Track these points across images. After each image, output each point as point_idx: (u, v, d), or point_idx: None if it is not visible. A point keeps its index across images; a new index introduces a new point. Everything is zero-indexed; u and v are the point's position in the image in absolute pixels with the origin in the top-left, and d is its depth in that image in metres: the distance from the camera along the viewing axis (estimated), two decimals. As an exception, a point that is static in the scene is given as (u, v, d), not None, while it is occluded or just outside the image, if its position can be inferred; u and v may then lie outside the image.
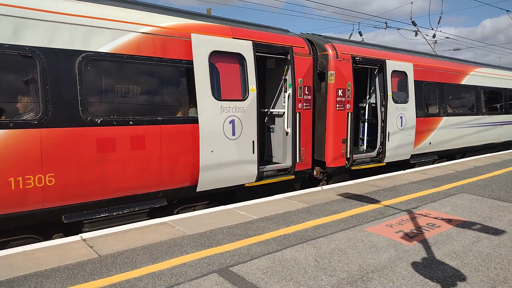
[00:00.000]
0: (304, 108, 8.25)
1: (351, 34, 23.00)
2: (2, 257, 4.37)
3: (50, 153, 5.06)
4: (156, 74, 6.29)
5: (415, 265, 4.31)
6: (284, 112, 8.16)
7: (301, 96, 8.15)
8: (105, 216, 5.73)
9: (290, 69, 7.98)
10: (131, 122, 5.78)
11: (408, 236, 5.22)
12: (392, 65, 9.98)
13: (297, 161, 8.15)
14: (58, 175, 5.14)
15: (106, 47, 5.57)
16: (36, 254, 4.47)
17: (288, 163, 8.20)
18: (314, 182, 9.29)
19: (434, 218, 6.05)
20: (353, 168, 9.43)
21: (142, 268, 4.14)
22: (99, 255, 4.47)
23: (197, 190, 6.67)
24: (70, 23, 5.29)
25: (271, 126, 8.77)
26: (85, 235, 5.10)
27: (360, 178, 9.25)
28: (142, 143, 5.88)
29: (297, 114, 8.07)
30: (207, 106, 6.54)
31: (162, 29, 6.15)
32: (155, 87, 6.39)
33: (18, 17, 4.89)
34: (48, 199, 5.12)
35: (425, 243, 4.97)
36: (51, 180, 5.10)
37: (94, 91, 5.65)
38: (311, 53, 8.52)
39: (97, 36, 5.50)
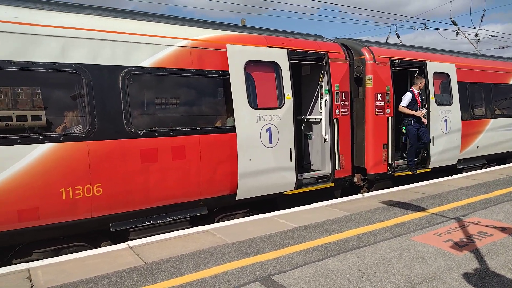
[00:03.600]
0: (342, 114, 8.13)
1: (388, 36, 22.43)
2: (56, 264, 4.60)
3: (97, 164, 5.29)
4: (194, 86, 6.44)
5: (467, 276, 4.09)
6: (321, 119, 8.07)
7: (338, 102, 8.04)
8: (150, 224, 5.89)
9: (326, 75, 7.91)
10: (171, 133, 5.94)
11: (458, 246, 4.96)
12: (433, 67, 9.62)
13: (336, 168, 8.02)
14: (105, 185, 5.36)
15: (146, 62, 5.78)
16: (86, 261, 4.67)
17: (327, 170, 8.08)
18: (355, 190, 9.09)
19: (486, 226, 5.72)
20: (395, 174, 9.13)
21: (186, 275, 4.21)
22: (145, 262, 4.59)
23: (237, 198, 6.72)
24: (113, 40, 5.54)
25: (308, 133, 8.70)
26: (131, 243, 5.26)
27: (403, 184, 8.95)
28: (183, 153, 6.01)
29: (335, 120, 7.95)
30: (244, 115, 6.60)
31: (198, 42, 6.31)
32: (193, 98, 6.54)
33: (65, 36, 5.19)
34: (96, 208, 5.35)
35: (477, 253, 4.70)
36: (99, 190, 5.32)
37: (136, 104, 5.87)
38: (347, 58, 8.40)
39: (137, 52, 5.72)
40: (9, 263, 5.03)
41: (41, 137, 4.96)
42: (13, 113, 5.02)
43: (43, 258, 5.00)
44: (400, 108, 9.10)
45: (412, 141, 9.21)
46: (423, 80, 9.21)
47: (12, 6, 4.98)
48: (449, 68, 10.09)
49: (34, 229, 4.96)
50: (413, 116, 9.01)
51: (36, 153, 4.87)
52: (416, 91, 9.12)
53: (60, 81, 5.35)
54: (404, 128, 9.24)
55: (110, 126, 5.44)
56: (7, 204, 4.71)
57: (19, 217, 4.80)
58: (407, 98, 9.04)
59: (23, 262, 4.76)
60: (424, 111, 9.18)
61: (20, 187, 4.78)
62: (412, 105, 9.04)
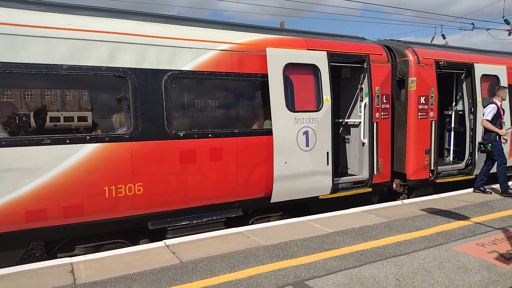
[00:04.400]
0: (382, 117, 7.92)
1: (433, 37, 21.59)
2: (97, 259, 4.83)
3: (139, 164, 5.50)
4: (233, 89, 6.54)
5: (513, 291, 3.86)
6: (360, 122, 7.91)
7: (378, 105, 7.85)
8: (186, 224, 6.04)
9: (366, 77, 7.74)
10: (210, 135, 6.06)
11: (504, 258, 4.70)
12: (481, 69, 9.15)
13: (375, 173, 7.82)
14: (145, 184, 5.56)
15: (188, 66, 5.93)
16: (125, 258, 4.87)
17: (364, 175, 7.90)
18: (394, 196, 8.82)
19: (537, 239, 5.37)
20: (438, 181, 8.76)
21: (220, 276, 4.28)
22: (180, 261, 4.72)
23: (271, 201, 6.73)
24: (157, 45, 5.73)
25: (346, 136, 8.55)
26: (168, 242, 5.43)
27: (446, 192, 8.57)
28: (220, 154, 6.12)
29: (374, 124, 7.77)
30: (281, 118, 6.60)
31: (238, 45, 6.39)
32: (232, 101, 6.64)
33: (114, 41, 5.44)
34: (137, 206, 5.56)
35: (525, 267, 4.43)
36: (139, 189, 5.53)
37: (177, 106, 6.06)
38: (389, 59, 8.18)
39: (180, 56, 5.88)
40: (55, 257, 5.36)
41: (88, 137, 5.23)
42: (61, 114, 5.31)
43: (85, 254, 5.26)
44: (483, 123, 8.21)
45: (502, 158, 8.14)
46: (506, 90, 8.33)
47: (67, 14, 5.30)
48: (499, 70, 9.55)
49: (77, 225, 5.24)
50: (496, 132, 8.08)
51: (83, 152, 5.14)
52: (499, 103, 8.20)
53: (107, 84, 5.61)
54: (489, 145, 8.11)
55: (152, 128, 5.64)
56: (54, 201, 5.01)
57: (64, 213, 5.09)
58: (492, 111, 8.09)
59: (67, 257, 5.04)
60: (510, 129, 8.28)
61: (66, 184, 5.06)
62: (496, 118, 8.14)
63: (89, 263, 4.71)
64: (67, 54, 5.12)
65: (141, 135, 5.53)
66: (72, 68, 5.15)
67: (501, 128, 8.16)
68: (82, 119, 5.47)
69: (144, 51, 5.63)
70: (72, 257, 4.92)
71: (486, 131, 8.24)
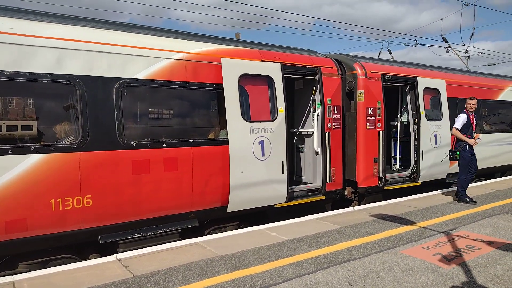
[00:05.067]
0: (334, 127, 8.22)
1: (380, 52, 22.83)
2: (43, 276, 4.54)
3: (88, 175, 5.28)
4: (188, 98, 6.49)
5: (454, 290, 4.12)
6: (313, 132, 8.15)
7: (330, 115, 8.14)
8: (139, 236, 5.86)
9: (318, 89, 8.02)
10: (164, 145, 5.95)
11: (446, 259, 5.01)
12: (423, 82, 9.80)
13: (328, 181, 8.07)
14: (95, 196, 5.33)
15: (141, 74, 5.82)
16: (74, 273, 4.62)
17: (318, 183, 8.12)
18: (346, 203, 9.13)
19: (474, 240, 5.79)
20: (386, 188, 9.20)
21: (174, 289, 4.18)
22: (133, 275, 4.56)
23: (228, 210, 6.71)
24: (108, 52, 5.58)
25: (300, 146, 8.76)
26: (120, 255, 5.22)
27: (393, 198, 9.01)
28: (175, 164, 6.02)
29: (327, 133, 8.03)
30: (237, 128, 6.64)
31: (193, 55, 6.38)
32: (187, 110, 6.59)
33: (61, 48, 5.22)
34: (86, 220, 5.31)
35: (464, 266, 4.75)
36: (88, 202, 5.29)
37: (129, 115, 5.90)
38: (340, 72, 8.53)
39: (133, 64, 5.76)
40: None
41: (32, 147, 4.95)
42: (3, 123, 4.99)
43: (29, 271, 4.93)
44: (453, 131, 8.39)
45: (463, 168, 8.36)
46: (467, 100, 8.46)
47: (9, 17, 5.02)
48: (439, 84, 10.27)
49: (21, 240, 4.91)
50: (466, 141, 8.22)
51: (27, 163, 4.85)
52: (470, 113, 8.36)
53: (53, 91, 5.36)
54: (457, 153, 8.24)
55: (103, 137, 5.44)
56: None
57: (6, 228, 4.75)
58: (461, 120, 8.28)
59: (8, 275, 4.69)
60: (479, 140, 8.48)
61: (8, 198, 4.74)
62: (467, 128, 8.29)
63: (34, 280, 4.42)
64: (10, 60, 4.85)
65: (90, 145, 5.32)
66: (15, 74, 4.87)
67: (472, 137, 8.42)
68: (26, 128, 5.15)
69: (94, 58, 5.46)
70: (15, 275, 4.58)
71: (458, 140, 8.44)
